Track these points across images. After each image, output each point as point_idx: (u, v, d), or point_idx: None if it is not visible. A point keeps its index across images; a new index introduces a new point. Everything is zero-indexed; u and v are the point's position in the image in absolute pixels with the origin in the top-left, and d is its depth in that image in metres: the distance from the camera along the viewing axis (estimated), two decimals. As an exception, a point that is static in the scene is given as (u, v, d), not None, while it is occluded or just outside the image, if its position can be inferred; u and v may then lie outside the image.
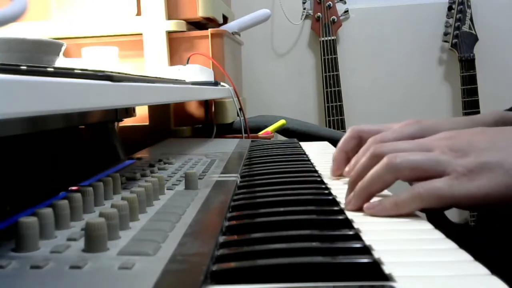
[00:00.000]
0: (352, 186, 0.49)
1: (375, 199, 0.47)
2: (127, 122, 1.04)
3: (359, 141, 0.61)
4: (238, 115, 1.24)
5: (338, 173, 0.62)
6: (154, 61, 1.21)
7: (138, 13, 1.21)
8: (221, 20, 1.38)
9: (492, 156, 0.44)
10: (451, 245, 0.36)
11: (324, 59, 1.96)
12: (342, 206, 0.47)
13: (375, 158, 0.48)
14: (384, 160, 0.46)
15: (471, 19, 1.97)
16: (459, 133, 0.48)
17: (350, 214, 0.44)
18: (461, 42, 1.97)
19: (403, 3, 2.08)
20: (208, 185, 0.56)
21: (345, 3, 2.04)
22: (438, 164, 0.44)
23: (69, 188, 0.50)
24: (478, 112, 1.91)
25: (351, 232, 0.38)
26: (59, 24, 1.22)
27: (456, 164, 0.44)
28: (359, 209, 0.46)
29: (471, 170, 0.43)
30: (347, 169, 0.61)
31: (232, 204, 0.48)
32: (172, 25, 1.21)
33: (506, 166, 0.43)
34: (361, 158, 0.51)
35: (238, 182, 0.60)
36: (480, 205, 0.44)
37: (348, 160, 0.61)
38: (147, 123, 1.18)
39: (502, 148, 0.44)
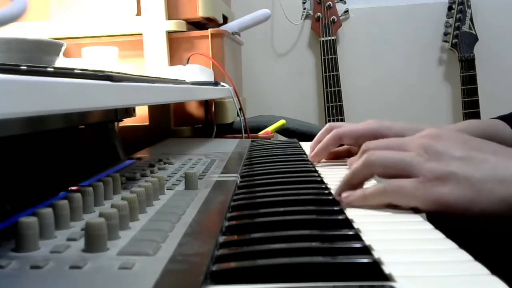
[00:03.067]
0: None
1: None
2: (127, 122, 1.04)
3: None
4: (238, 115, 1.24)
5: (314, 159, 0.75)
6: (154, 61, 1.21)
7: (138, 13, 1.21)
8: (221, 20, 1.38)
9: (462, 169, 0.43)
10: (451, 245, 0.36)
11: (324, 59, 1.96)
12: (342, 206, 0.47)
13: (362, 153, 0.52)
14: (364, 156, 0.49)
15: (471, 19, 1.97)
16: (442, 135, 0.48)
17: (350, 214, 0.44)
18: (461, 42, 1.97)
19: (403, 3, 2.08)
20: (208, 185, 0.56)
21: (345, 3, 2.04)
22: (408, 166, 0.46)
23: (69, 188, 0.50)
24: (478, 112, 1.91)
25: (351, 232, 0.38)
26: (59, 24, 1.22)
27: (424, 169, 0.45)
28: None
29: (437, 177, 0.44)
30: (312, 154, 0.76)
31: (232, 204, 0.48)
32: (172, 25, 1.21)
33: (472, 181, 0.43)
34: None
35: (238, 182, 0.60)
36: (440, 211, 0.44)
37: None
38: (147, 123, 1.18)
39: (476, 162, 0.44)
